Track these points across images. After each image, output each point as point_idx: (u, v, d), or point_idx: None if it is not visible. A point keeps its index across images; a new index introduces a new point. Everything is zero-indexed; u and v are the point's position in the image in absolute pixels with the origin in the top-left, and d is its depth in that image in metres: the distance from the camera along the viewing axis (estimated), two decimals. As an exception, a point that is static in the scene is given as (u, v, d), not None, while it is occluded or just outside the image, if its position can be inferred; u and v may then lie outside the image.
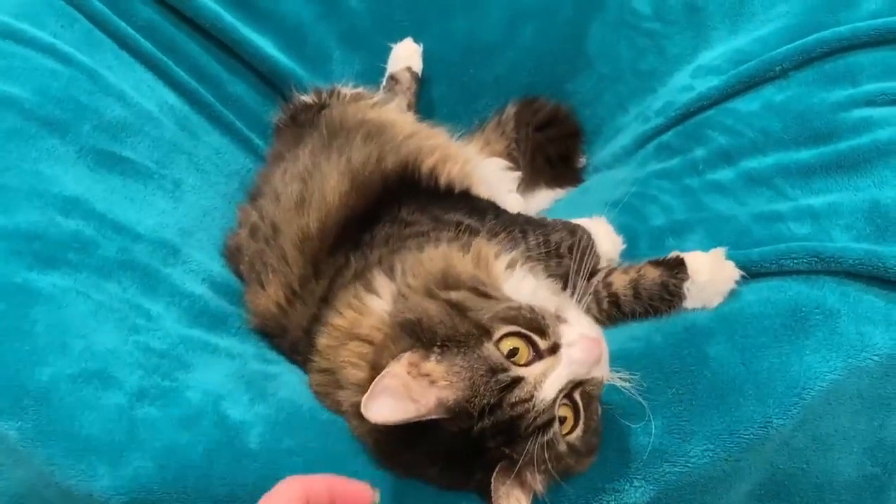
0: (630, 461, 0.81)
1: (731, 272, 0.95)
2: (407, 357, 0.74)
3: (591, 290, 0.99)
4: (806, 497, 0.93)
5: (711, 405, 0.84)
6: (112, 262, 0.99)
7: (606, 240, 1.08)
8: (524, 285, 0.88)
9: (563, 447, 0.76)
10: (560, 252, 1.02)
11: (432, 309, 0.79)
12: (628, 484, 0.81)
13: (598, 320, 0.99)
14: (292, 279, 1.01)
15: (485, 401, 0.72)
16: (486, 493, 0.77)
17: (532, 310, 0.78)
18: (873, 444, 0.93)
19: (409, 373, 0.73)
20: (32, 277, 0.91)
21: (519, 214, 1.16)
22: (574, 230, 1.06)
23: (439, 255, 0.88)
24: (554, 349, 0.77)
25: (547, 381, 0.74)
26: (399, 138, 1.16)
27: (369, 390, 0.70)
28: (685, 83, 1.30)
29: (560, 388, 0.75)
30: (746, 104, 1.19)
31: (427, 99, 1.55)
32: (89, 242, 0.98)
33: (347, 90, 1.36)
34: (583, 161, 1.45)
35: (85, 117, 1.11)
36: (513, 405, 0.73)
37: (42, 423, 0.81)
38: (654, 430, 0.82)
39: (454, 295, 0.81)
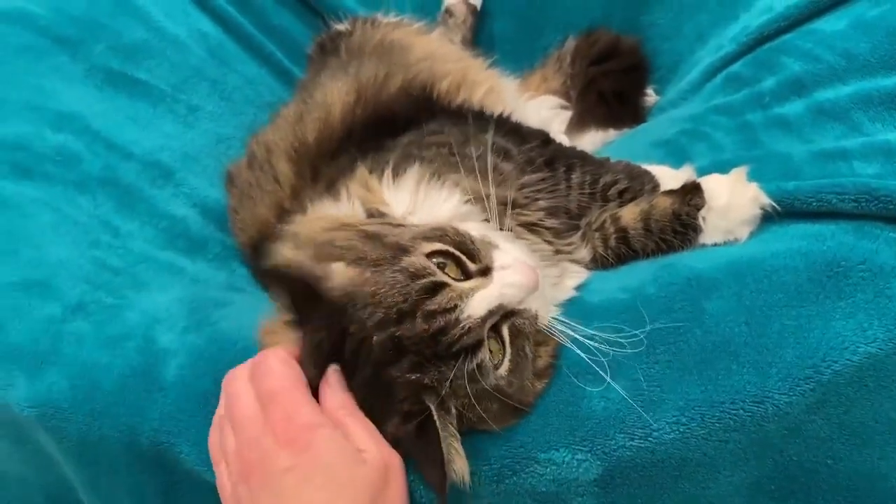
0: (575, 428, 0.66)
1: (754, 193, 0.80)
2: None
3: (597, 224, 0.87)
4: (836, 502, 0.73)
5: (693, 369, 0.67)
6: (92, 178, 0.96)
7: None
8: (445, 206, 0.77)
9: (491, 380, 0.65)
10: (607, 195, 0.90)
11: (340, 237, 0.71)
12: (570, 455, 0.65)
13: (605, 260, 0.87)
14: (283, 197, 0.93)
15: (398, 299, 0.64)
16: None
17: (458, 231, 0.69)
18: (934, 446, 0.71)
19: None
20: (2, 185, 0.90)
21: (573, 148, 1.03)
22: (638, 176, 0.93)
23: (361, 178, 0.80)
24: (485, 272, 0.69)
25: (476, 296, 0.65)
26: (412, 59, 1.06)
27: None
28: (767, 4, 1.08)
29: (490, 308, 0.66)
30: (832, 24, 0.97)
31: (488, 34, 1.43)
32: (73, 157, 0.97)
33: (386, 19, 1.26)
34: (652, 99, 1.27)
35: (101, 37, 1.10)
36: (431, 314, 0.63)
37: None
38: (613, 396, 0.67)
39: (369, 228, 0.72)
